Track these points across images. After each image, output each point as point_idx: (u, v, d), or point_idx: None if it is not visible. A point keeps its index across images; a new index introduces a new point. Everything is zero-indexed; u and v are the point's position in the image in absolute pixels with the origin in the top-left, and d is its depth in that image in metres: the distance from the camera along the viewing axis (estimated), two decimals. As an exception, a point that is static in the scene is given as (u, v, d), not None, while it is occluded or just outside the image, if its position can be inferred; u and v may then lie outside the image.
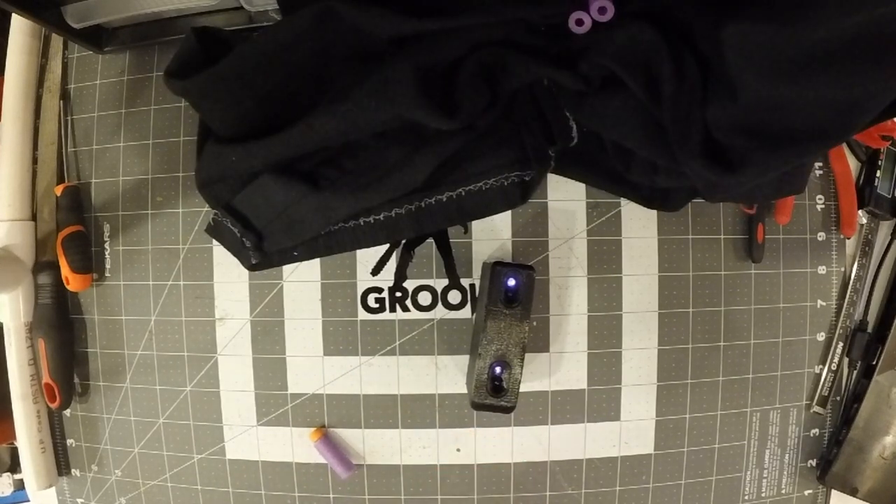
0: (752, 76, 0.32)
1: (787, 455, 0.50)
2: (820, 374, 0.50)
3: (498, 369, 0.40)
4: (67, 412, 0.51)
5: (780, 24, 0.29)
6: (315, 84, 0.38)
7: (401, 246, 0.47)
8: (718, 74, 0.34)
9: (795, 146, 0.33)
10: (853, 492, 0.49)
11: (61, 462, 0.51)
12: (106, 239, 0.49)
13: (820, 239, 0.49)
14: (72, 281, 0.47)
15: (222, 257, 0.47)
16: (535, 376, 0.47)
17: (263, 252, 0.42)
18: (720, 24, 0.32)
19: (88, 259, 0.48)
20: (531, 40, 0.38)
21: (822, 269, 0.49)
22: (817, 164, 0.49)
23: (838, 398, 0.50)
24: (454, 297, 0.47)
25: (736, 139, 0.34)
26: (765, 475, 0.50)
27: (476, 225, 0.47)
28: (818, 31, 0.28)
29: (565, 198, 0.47)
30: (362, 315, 0.47)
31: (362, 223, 0.41)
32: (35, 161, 0.50)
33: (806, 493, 0.50)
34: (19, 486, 0.56)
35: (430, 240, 0.47)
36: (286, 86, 0.37)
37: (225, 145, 0.39)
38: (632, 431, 0.48)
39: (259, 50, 0.36)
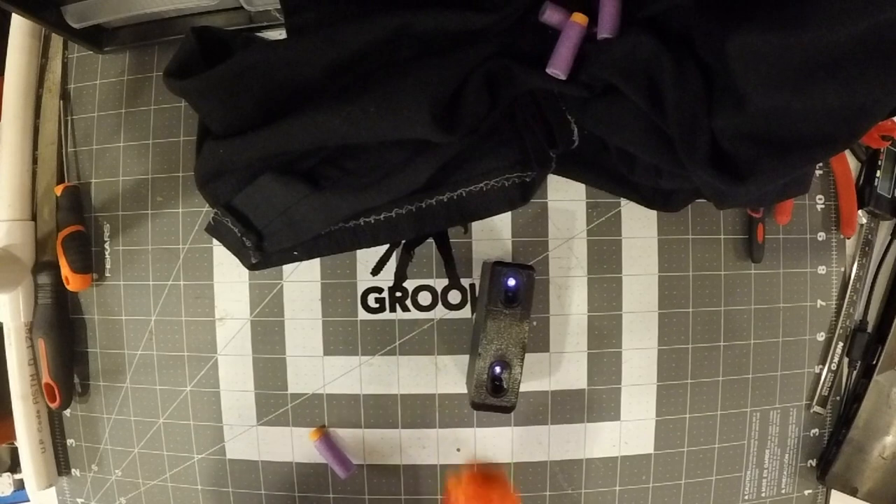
0: (757, 85, 0.32)
1: (787, 455, 0.50)
2: (820, 374, 0.50)
3: (498, 369, 0.40)
4: (67, 412, 0.51)
5: (784, 32, 0.29)
6: (319, 89, 0.38)
7: (401, 246, 0.47)
8: (723, 83, 0.34)
9: (803, 153, 0.33)
10: (853, 492, 0.49)
11: (61, 462, 0.51)
12: (106, 239, 0.49)
13: (820, 239, 0.49)
14: (72, 281, 0.47)
15: (222, 257, 0.47)
16: (535, 376, 0.47)
17: (264, 252, 0.42)
18: (723, 34, 0.32)
19: (88, 259, 0.48)
20: (533, 47, 0.38)
21: (822, 269, 0.49)
22: (817, 165, 0.49)
23: (838, 398, 0.50)
24: (454, 297, 0.47)
25: (743, 147, 0.34)
26: (765, 475, 0.50)
27: (476, 225, 0.47)
28: (823, 38, 0.28)
29: (565, 198, 0.47)
30: (362, 315, 0.47)
31: (363, 223, 0.42)
32: (35, 161, 0.50)
33: (806, 493, 0.50)
34: (19, 486, 0.56)
35: (430, 240, 0.47)
36: (287, 90, 0.37)
37: (224, 139, 0.39)
38: (632, 431, 0.48)
39: (263, 58, 0.36)
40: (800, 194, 0.42)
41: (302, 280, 0.47)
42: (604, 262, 0.47)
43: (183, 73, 0.37)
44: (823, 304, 0.49)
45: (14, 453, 0.57)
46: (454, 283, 0.47)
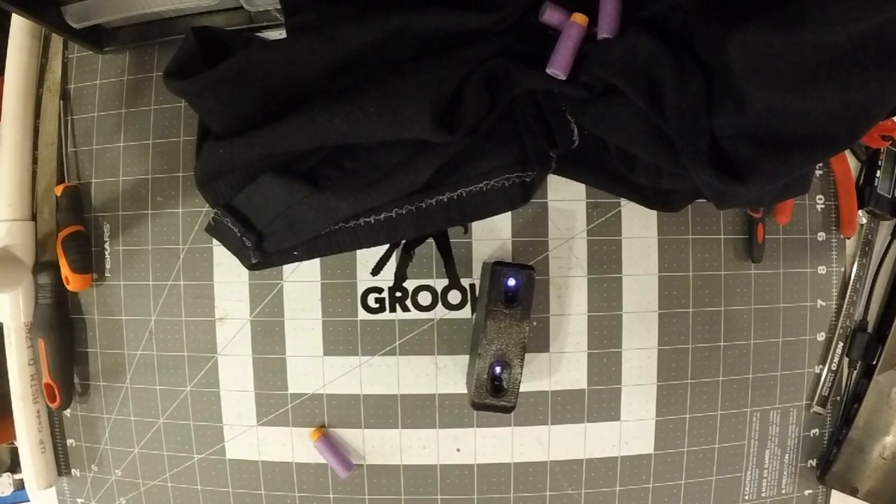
0: (757, 85, 0.32)
1: (787, 455, 0.50)
2: (820, 374, 0.50)
3: (498, 369, 0.40)
4: (67, 412, 0.51)
5: (785, 33, 0.29)
6: (319, 90, 0.38)
7: (401, 246, 0.47)
8: (723, 84, 0.34)
9: (803, 153, 0.33)
10: (853, 492, 0.49)
11: (61, 462, 0.51)
12: (106, 239, 0.49)
13: (820, 239, 0.49)
14: (72, 281, 0.47)
15: (222, 257, 0.47)
16: (535, 376, 0.47)
17: (264, 252, 0.42)
18: (723, 34, 0.32)
19: (88, 259, 0.48)
20: (533, 47, 0.39)
21: (822, 269, 0.49)
22: (817, 165, 0.49)
23: (838, 398, 0.50)
24: (454, 297, 0.47)
25: (743, 148, 0.34)
26: (765, 475, 0.50)
27: (476, 225, 0.47)
28: (823, 38, 0.29)
29: (565, 198, 0.47)
30: (362, 315, 0.47)
31: (362, 223, 0.42)
32: (35, 161, 0.50)
33: (806, 493, 0.50)
34: (19, 486, 0.56)
35: (431, 240, 0.47)
36: (287, 90, 0.37)
37: (223, 139, 0.39)
38: (632, 431, 0.48)
39: (262, 58, 0.36)
40: (800, 194, 0.42)
41: (302, 280, 0.47)
42: (604, 262, 0.47)
43: (183, 73, 0.37)
44: (823, 304, 0.49)
45: (14, 453, 0.57)
46: (454, 283, 0.47)
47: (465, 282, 0.47)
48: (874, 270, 0.50)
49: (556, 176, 0.46)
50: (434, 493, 0.48)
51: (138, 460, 0.50)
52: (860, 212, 0.50)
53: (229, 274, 0.48)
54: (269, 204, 0.40)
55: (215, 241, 0.46)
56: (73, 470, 0.51)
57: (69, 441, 0.51)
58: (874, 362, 0.49)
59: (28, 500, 0.53)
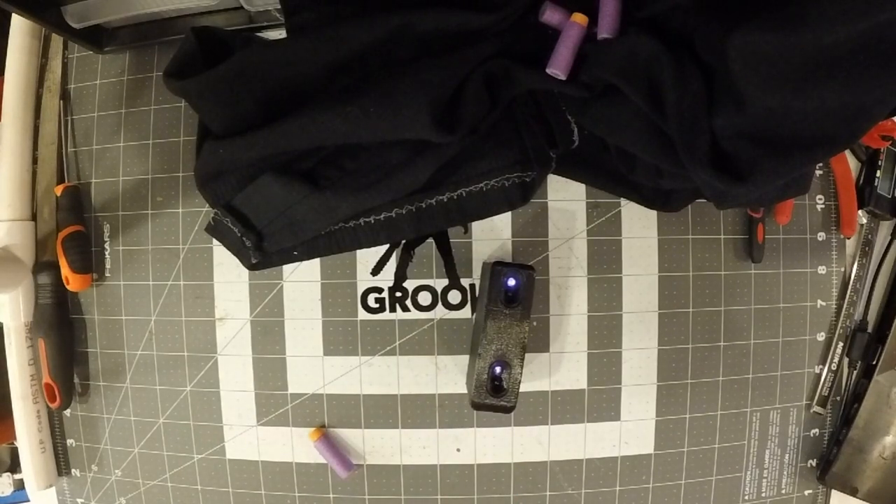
0: (758, 85, 0.32)
1: (787, 455, 0.50)
2: (820, 374, 0.50)
3: (498, 369, 0.40)
4: (67, 412, 0.51)
5: (784, 32, 0.29)
6: (319, 89, 0.38)
7: (401, 246, 0.47)
8: (723, 84, 0.34)
9: (803, 153, 0.33)
10: (853, 492, 0.49)
11: (61, 462, 0.51)
12: (106, 239, 0.49)
13: (820, 239, 0.49)
14: (72, 281, 0.47)
15: (222, 257, 0.47)
16: (535, 376, 0.47)
17: (264, 252, 0.42)
18: (723, 34, 0.32)
19: (88, 259, 0.48)
20: (533, 47, 0.39)
21: (822, 269, 0.49)
22: (817, 165, 0.49)
23: (838, 398, 0.50)
24: (454, 297, 0.47)
25: (743, 147, 0.34)
26: (765, 475, 0.50)
27: (476, 225, 0.47)
28: (823, 39, 0.29)
29: (565, 198, 0.47)
30: (362, 315, 0.47)
31: (363, 223, 0.42)
32: (35, 161, 0.50)
33: (806, 493, 0.50)
34: (19, 486, 0.56)
35: (431, 240, 0.47)
36: (287, 89, 0.37)
37: (224, 139, 0.39)
38: (632, 431, 0.48)
39: (262, 58, 0.36)
40: (800, 194, 0.42)
41: (302, 280, 0.47)
42: (604, 262, 0.47)
43: (183, 74, 0.37)
44: (823, 304, 0.49)
45: (14, 453, 0.57)
46: (454, 283, 0.47)
47: (465, 282, 0.47)
48: (874, 270, 0.50)
49: (556, 176, 0.46)
50: (434, 493, 0.48)
51: (138, 460, 0.50)
52: (860, 212, 0.50)
53: (229, 274, 0.48)
54: (269, 204, 0.40)
55: (215, 241, 0.46)
56: (73, 470, 0.51)
57: (69, 441, 0.51)
58: (874, 362, 0.49)
59: (28, 500, 0.53)
